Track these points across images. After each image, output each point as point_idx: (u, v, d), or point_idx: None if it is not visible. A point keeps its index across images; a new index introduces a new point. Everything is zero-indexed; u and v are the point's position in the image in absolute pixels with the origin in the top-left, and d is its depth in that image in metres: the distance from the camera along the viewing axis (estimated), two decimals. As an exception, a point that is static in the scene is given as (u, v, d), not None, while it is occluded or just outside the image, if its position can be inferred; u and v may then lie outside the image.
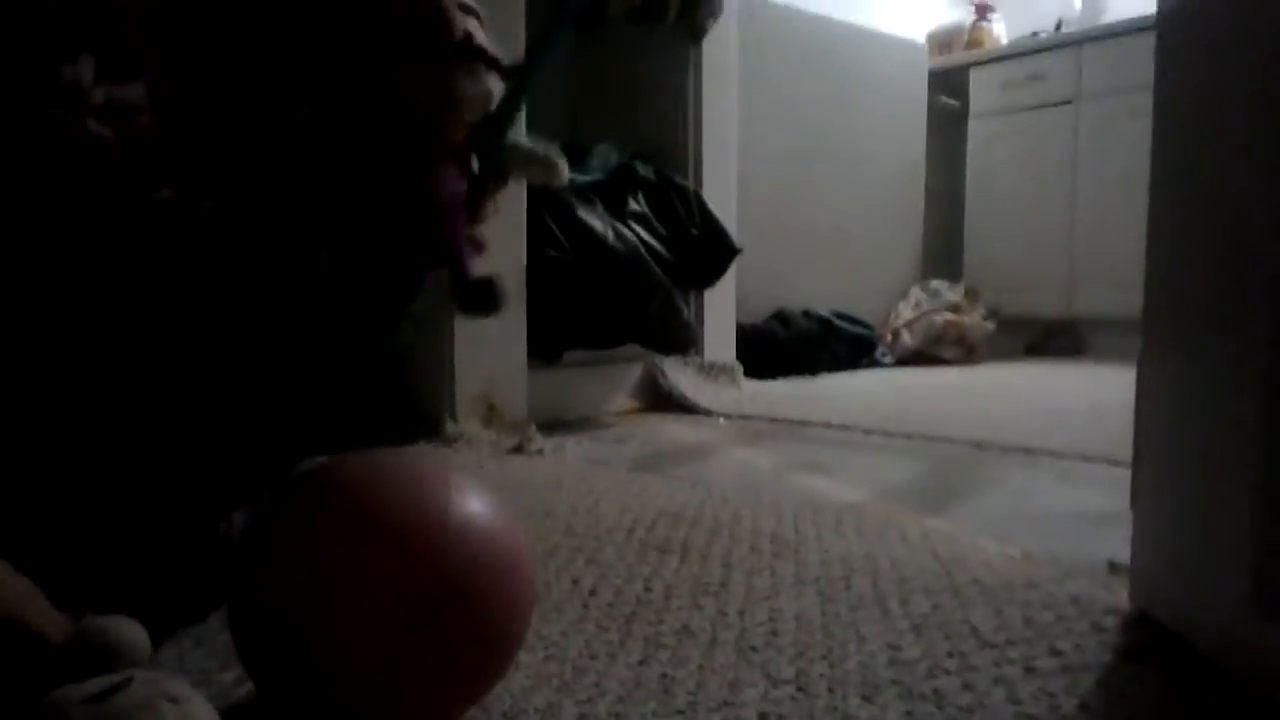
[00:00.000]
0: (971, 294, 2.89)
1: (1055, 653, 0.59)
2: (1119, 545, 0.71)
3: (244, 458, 0.76)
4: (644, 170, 1.85)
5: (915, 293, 2.92)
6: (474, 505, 0.48)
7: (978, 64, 3.21)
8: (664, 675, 0.56)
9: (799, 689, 0.54)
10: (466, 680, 0.48)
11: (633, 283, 1.67)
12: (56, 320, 0.66)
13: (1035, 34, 3.22)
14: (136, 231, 0.65)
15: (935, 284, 2.92)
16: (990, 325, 2.79)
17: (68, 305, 0.66)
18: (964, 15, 3.49)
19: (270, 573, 0.46)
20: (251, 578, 0.47)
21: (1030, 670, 0.56)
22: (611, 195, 1.78)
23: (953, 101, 3.28)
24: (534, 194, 1.55)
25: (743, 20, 2.09)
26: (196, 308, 0.72)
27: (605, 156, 1.86)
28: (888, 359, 2.67)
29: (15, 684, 0.41)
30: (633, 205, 1.79)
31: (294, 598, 0.44)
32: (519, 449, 1.29)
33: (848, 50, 2.77)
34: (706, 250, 1.88)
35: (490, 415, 1.42)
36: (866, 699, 0.52)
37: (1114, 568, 0.74)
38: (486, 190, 0.67)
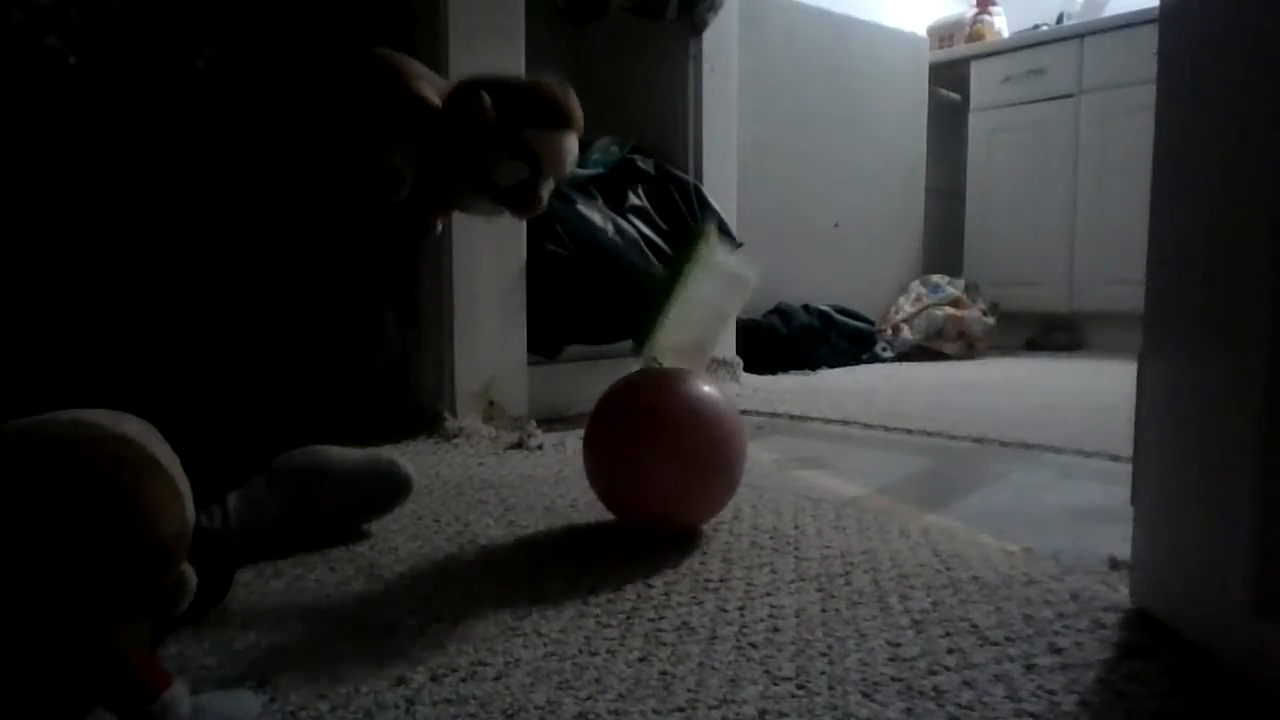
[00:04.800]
0: (972, 288, 2.89)
1: (1055, 650, 0.59)
2: (1119, 541, 0.71)
3: (234, 446, 0.77)
4: (644, 164, 1.85)
5: (915, 287, 2.91)
6: (724, 402, 0.83)
7: (979, 57, 3.20)
8: (664, 672, 0.56)
9: (799, 686, 0.54)
10: (716, 499, 0.85)
11: (633, 277, 1.67)
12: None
13: (1036, 27, 3.21)
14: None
15: (935, 278, 2.92)
16: (991, 320, 2.79)
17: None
18: (965, 8, 3.48)
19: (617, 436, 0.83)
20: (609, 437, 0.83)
21: (1030, 667, 0.56)
22: (611, 189, 1.78)
23: (954, 95, 3.27)
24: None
25: (743, 13, 2.08)
26: (188, 296, 0.73)
27: (605, 150, 1.86)
28: (888, 354, 2.67)
29: None
30: (633, 199, 1.78)
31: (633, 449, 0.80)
32: (519, 445, 1.28)
33: (848, 43, 2.76)
34: (707, 244, 1.88)
35: (490, 411, 1.42)
36: (866, 696, 0.52)
37: (1114, 564, 0.74)
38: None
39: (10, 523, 0.37)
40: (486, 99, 0.77)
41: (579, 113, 0.80)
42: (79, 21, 0.72)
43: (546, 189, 0.81)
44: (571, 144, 0.80)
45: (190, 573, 0.42)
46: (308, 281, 0.81)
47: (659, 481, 0.79)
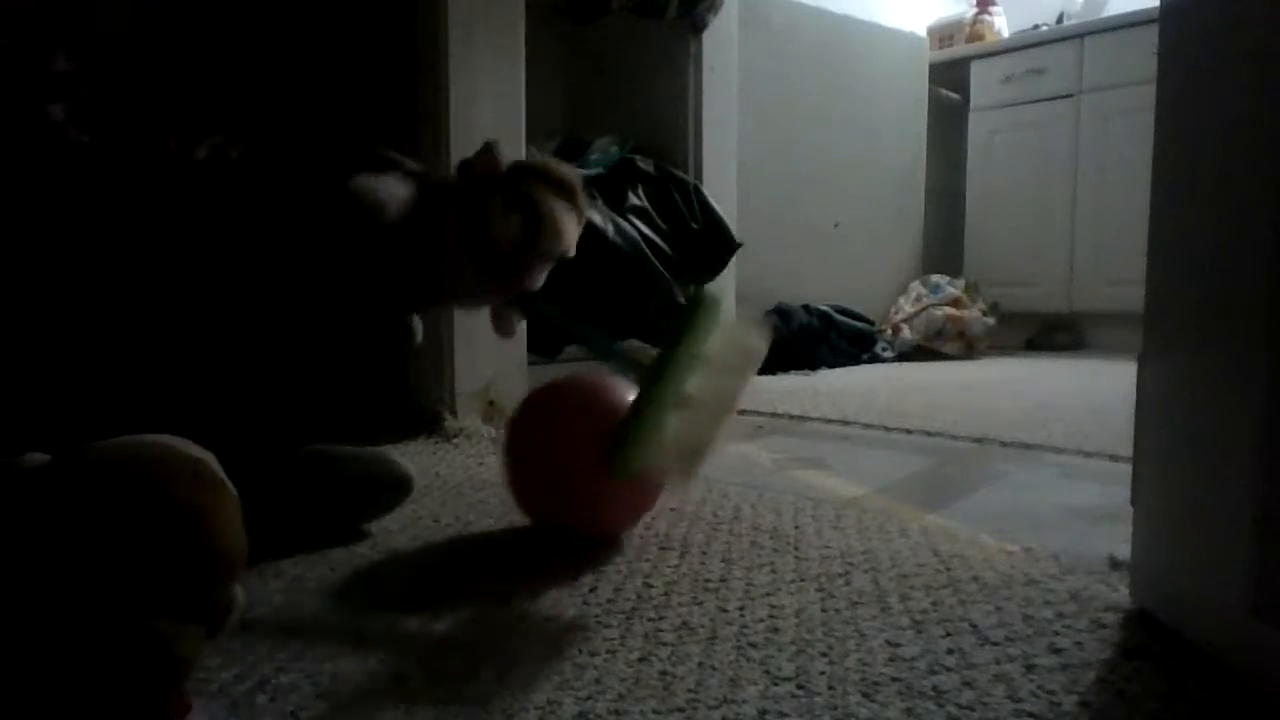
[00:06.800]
0: (972, 288, 2.89)
1: (1055, 650, 0.58)
2: (1119, 541, 0.71)
3: (235, 448, 0.77)
4: (644, 164, 1.85)
5: (916, 287, 2.91)
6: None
7: (979, 57, 3.20)
8: (664, 672, 0.56)
9: (799, 686, 0.54)
10: (638, 501, 0.82)
11: (633, 277, 1.67)
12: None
13: (1036, 27, 3.22)
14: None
15: (935, 278, 2.92)
16: (991, 320, 2.79)
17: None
18: (965, 8, 3.48)
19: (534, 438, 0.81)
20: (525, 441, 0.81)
21: (1030, 667, 0.56)
22: (612, 189, 1.78)
23: (954, 95, 3.27)
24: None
25: (743, 13, 2.08)
26: (196, 301, 0.73)
27: (605, 150, 1.86)
28: (888, 354, 2.67)
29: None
30: (633, 199, 1.78)
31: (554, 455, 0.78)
32: (519, 444, 1.28)
33: (848, 43, 2.76)
34: (707, 244, 1.88)
35: (490, 411, 1.42)
36: (866, 696, 0.52)
37: (1114, 564, 0.74)
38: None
39: (107, 529, 0.42)
40: (499, 148, 0.73)
41: (584, 196, 0.77)
42: (89, 96, 0.73)
43: (540, 263, 0.74)
44: (571, 221, 0.74)
45: (240, 589, 0.46)
46: (313, 284, 0.81)
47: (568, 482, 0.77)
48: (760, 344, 0.75)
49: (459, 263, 0.72)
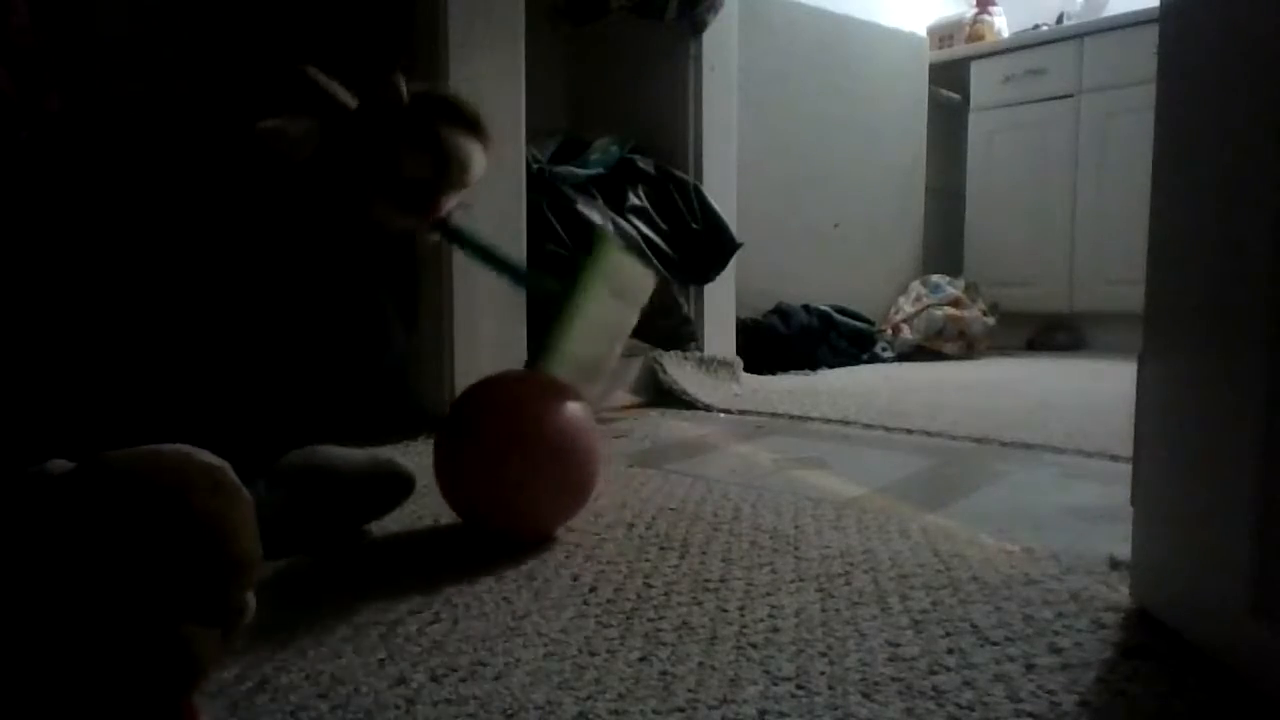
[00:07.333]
0: (972, 288, 2.89)
1: (1055, 650, 0.58)
2: (1119, 541, 0.71)
3: (237, 449, 0.77)
4: (644, 164, 1.85)
5: (916, 287, 2.91)
6: (571, 404, 0.82)
7: (979, 57, 3.20)
8: (664, 672, 0.56)
9: (799, 686, 0.54)
10: (569, 497, 0.83)
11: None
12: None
13: (1037, 27, 3.22)
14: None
15: (936, 278, 2.92)
16: (991, 320, 2.79)
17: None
18: (965, 8, 3.48)
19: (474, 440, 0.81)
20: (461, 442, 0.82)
21: (1030, 667, 0.56)
22: (612, 189, 1.78)
23: (954, 95, 3.27)
24: (533, 188, 1.54)
25: (743, 13, 2.08)
26: (183, 302, 0.73)
27: (605, 150, 1.85)
28: (888, 354, 2.67)
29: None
30: (633, 199, 1.78)
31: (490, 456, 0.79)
32: (519, 444, 1.28)
33: (848, 43, 2.76)
34: (707, 244, 1.88)
35: (490, 410, 1.42)
36: (866, 696, 0.52)
37: (1114, 564, 0.74)
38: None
39: (130, 534, 0.43)
40: (400, 81, 0.77)
41: (489, 130, 0.82)
42: (76, 122, 0.75)
43: (450, 197, 0.81)
44: (479, 156, 0.80)
45: (253, 594, 0.47)
46: (310, 285, 0.82)
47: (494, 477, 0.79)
48: (648, 278, 0.93)
49: (375, 197, 0.79)
